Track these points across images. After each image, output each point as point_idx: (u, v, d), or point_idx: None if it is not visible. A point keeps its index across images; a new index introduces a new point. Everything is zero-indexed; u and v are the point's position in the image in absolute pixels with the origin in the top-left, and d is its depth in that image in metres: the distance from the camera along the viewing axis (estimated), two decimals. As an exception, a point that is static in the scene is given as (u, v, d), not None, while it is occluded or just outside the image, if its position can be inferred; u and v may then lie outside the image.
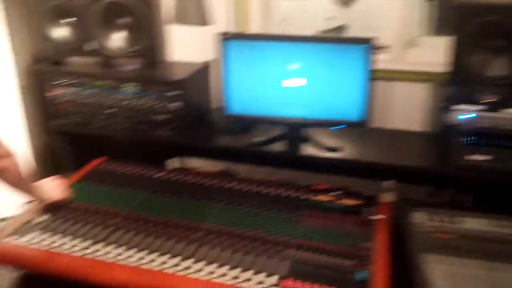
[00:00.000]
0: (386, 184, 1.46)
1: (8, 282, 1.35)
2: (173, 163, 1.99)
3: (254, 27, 1.96)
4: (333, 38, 1.83)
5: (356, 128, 1.64)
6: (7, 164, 1.24)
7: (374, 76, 1.56)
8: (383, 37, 1.80)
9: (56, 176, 1.51)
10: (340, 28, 1.93)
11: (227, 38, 1.57)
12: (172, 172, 1.71)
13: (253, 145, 1.60)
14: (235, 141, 1.69)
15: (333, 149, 1.58)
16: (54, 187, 1.46)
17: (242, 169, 1.83)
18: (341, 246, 1.28)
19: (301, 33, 1.85)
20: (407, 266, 1.29)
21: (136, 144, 1.84)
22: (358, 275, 1.17)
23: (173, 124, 1.59)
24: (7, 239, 1.30)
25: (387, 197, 1.43)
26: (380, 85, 1.78)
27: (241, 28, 1.94)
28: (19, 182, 1.32)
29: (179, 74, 1.59)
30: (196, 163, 1.97)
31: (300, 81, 1.58)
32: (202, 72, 1.81)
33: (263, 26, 1.98)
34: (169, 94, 1.56)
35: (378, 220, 1.41)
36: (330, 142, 1.63)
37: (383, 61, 1.69)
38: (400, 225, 1.51)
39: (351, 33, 1.95)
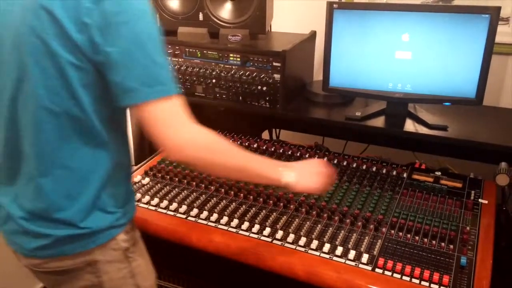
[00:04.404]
0: (499, 166, 1.37)
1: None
2: (267, 135, 2.04)
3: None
4: (450, 7, 1.70)
5: (466, 106, 1.55)
6: (189, 155, 0.94)
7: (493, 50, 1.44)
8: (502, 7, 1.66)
9: (320, 159, 1.22)
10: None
11: (336, 7, 1.54)
12: (268, 143, 1.75)
13: (349, 119, 1.58)
14: (331, 114, 1.67)
15: (440, 127, 1.50)
16: (313, 174, 1.13)
17: (334, 144, 1.82)
18: (440, 229, 1.24)
19: (410, 2, 1.76)
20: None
21: (235, 115, 1.90)
22: (462, 260, 1.13)
23: (271, 96, 1.62)
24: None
25: (499, 181, 1.34)
26: (495, 59, 1.65)
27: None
28: (229, 170, 1.02)
29: (281, 46, 1.60)
30: (288, 136, 2.00)
31: (409, 54, 1.51)
32: (306, 43, 1.80)
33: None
34: (270, 65, 1.58)
35: (484, 204, 1.34)
36: (436, 119, 1.55)
37: (499, 33, 1.56)
38: (507, 210, 1.43)
39: (460, 3, 1.81)
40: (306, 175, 1.11)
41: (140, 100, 0.87)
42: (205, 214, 1.33)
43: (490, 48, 1.43)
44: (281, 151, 1.69)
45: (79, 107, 0.91)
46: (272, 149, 1.70)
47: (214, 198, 1.40)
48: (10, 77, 0.93)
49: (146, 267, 1.14)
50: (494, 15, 1.40)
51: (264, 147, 1.71)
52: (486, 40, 1.42)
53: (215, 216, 1.32)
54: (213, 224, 1.30)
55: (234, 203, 1.38)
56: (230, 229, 1.27)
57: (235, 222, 1.29)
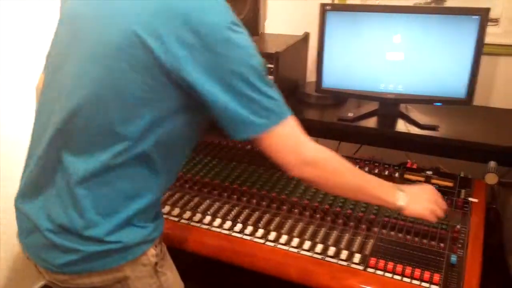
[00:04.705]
0: (488, 165, 1.39)
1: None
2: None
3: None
4: (441, 8, 1.72)
5: (457, 106, 1.57)
6: (314, 172, 0.97)
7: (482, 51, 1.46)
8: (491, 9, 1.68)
9: (432, 187, 1.20)
10: (437, 1, 1.81)
11: (328, 9, 1.55)
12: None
13: (342, 120, 1.60)
14: (324, 115, 1.69)
15: (431, 127, 1.52)
16: (424, 200, 1.12)
17: (326, 144, 1.82)
18: (431, 228, 1.26)
19: (402, 3, 1.78)
20: (502, 252, 1.25)
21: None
22: (452, 258, 1.15)
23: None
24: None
25: (488, 180, 1.36)
26: (485, 60, 1.67)
27: (341, 0, 1.91)
28: (348, 190, 1.05)
29: (274, 47, 1.61)
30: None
31: (401, 55, 1.53)
32: (299, 45, 1.81)
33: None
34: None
35: (474, 203, 1.36)
36: (427, 119, 1.57)
37: (489, 34, 1.58)
38: (496, 208, 1.45)
39: (449, 5, 1.83)
40: (418, 200, 1.11)
41: (257, 132, 0.89)
42: (198, 216, 1.34)
43: (480, 48, 1.45)
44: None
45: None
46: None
47: (207, 200, 1.42)
48: (78, 87, 0.91)
49: (174, 281, 1.11)
50: (484, 17, 1.42)
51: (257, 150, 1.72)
52: (476, 41, 1.44)
53: (208, 219, 1.33)
54: (205, 227, 1.31)
55: (227, 205, 1.39)
56: (223, 231, 1.29)
57: (227, 224, 1.30)
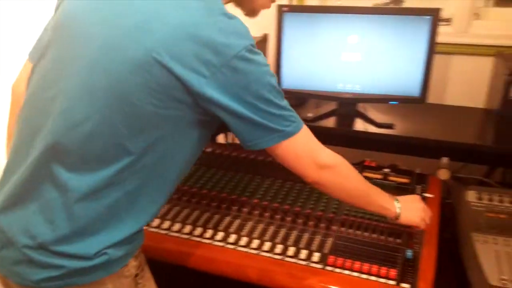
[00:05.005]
0: (439, 162, 1.43)
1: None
2: (219, 138, 2.05)
3: (312, 0, 1.94)
4: (395, 9, 1.77)
5: (413, 104, 1.61)
6: (329, 177, 1.03)
7: (435, 50, 1.50)
8: (444, 9, 1.73)
9: (415, 195, 1.28)
10: (396, 1, 1.86)
11: (285, 10, 1.56)
12: (221, 147, 1.76)
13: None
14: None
15: (387, 126, 1.56)
16: (414, 210, 1.19)
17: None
18: (388, 224, 1.28)
19: (363, 4, 1.81)
20: (456, 245, 1.29)
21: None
22: (407, 254, 1.17)
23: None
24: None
25: (440, 175, 1.40)
26: (439, 59, 1.72)
27: (299, 1, 1.93)
28: (356, 196, 1.11)
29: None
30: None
31: (358, 55, 1.56)
32: (258, 46, 1.79)
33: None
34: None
35: (429, 198, 1.40)
36: (384, 118, 1.61)
37: (443, 34, 1.63)
38: (452, 203, 1.49)
39: (407, 5, 1.88)
40: (411, 208, 1.18)
41: (277, 142, 0.94)
42: (156, 221, 1.32)
43: (432, 48, 1.49)
44: (234, 154, 1.70)
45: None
46: (227, 153, 1.71)
47: (167, 205, 1.40)
48: (82, 99, 0.87)
49: None
50: (435, 17, 1.46)
51: (219, 151, 1.72)
52: (428, 41, 1.48)
53: (167, 223, 1.31)
54: (163, 232, 1.29)
55: (187, 209, 1.38)
56: (182, 235, 1.27)
57: (187, 228, 1.29)
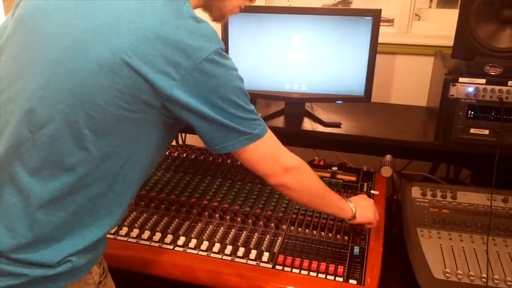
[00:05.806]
0: (384, 159, 1.47)
1: None
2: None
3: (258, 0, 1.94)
4: (338, 10, 1.81)
5: (358, 103, 1.65)
6: (292, 179, 1.04)
7: (377, 50, 1.54)
8: (386, 10, 1.78)
9: (363, 193, 1.37)
10: (345, 2, 1.90)
11: (230, 11, 1.56)
12: (174, 148, 1.74)
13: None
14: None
15: (334, 125, 1.58)
16: (367, 207, 1.24)
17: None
18: (336, 222, 1.31)
19: (312, 5, 1.83)
20: (402, 240, 1.33)
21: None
22: (355, 250, 1.20)
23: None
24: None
25: (383, 173, 1.44)
26: (382, 59, 1.77)
27: (267, 2, 1.94)
28: (317, 197, 1.13)
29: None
30: (194, 140, 1.99)
31: (303, 55, 1.57)
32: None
33: (267, -1, 1.97)
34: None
35: (375, 195, 1.43)
36: (331, 117, 1.63)
37: (385, 34, 1.68)
38: (397, 199, 1.54)
39: (355, 6, 1.93)
40: (364, 207, 1.23)
41: (244, 145, 0.94)
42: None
43: (374, 48, 1.53)
44: (184, 155, 1.68)
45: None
46: (176, 154, 1.69)
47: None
48: (44, 98, 0.85)
49: None
50: (376, 17, 1.50)
51: (168, 152, 1.70)
52: (370, 41, 1.52)
53: (114, 228, 1.27)
54: (111, 236, 1.25)
55: (134, 212, 1.35)
56: (130, 239, 1.24)
57: (135, 232, 1.26)
